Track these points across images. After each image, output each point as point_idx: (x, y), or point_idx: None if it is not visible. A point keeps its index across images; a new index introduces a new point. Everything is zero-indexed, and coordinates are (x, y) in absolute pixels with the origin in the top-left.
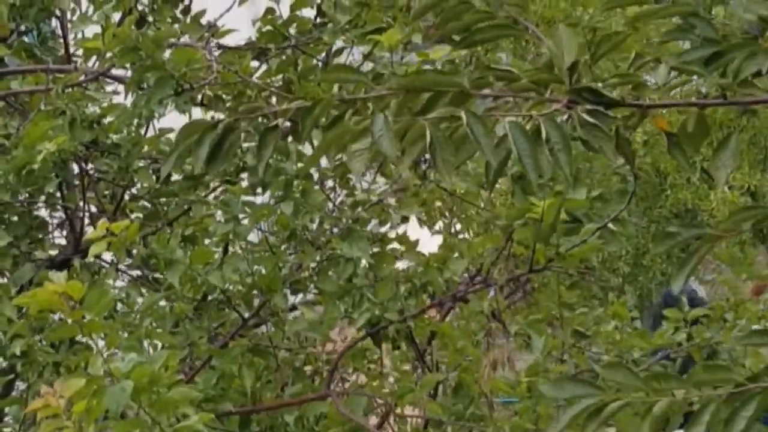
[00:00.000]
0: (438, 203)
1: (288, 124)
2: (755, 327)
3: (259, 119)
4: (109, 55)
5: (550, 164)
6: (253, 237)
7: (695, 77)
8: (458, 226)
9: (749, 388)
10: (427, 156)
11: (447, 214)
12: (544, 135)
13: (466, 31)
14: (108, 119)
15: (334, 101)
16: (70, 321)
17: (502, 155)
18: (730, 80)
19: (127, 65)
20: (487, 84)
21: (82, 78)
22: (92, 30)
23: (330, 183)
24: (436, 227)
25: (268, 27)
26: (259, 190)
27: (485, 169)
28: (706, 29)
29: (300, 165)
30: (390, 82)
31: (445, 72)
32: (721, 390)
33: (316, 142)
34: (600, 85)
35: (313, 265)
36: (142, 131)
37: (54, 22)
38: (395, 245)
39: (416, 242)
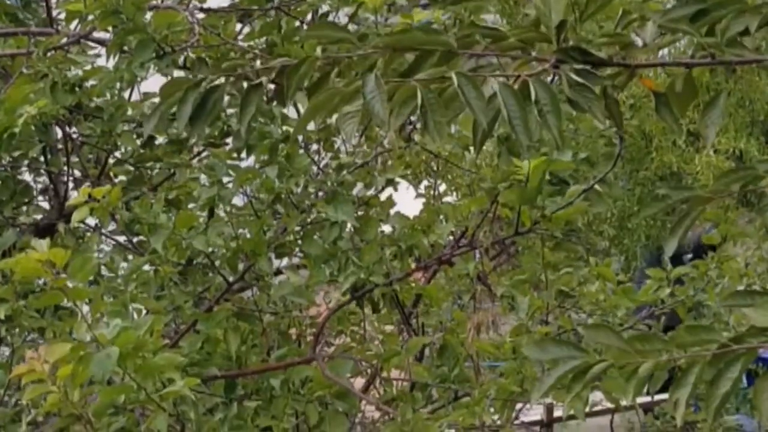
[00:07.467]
0: (423, 162)
1: (272, 87)
2: (739, 288)
3: (243, 82)
4: (90, 17)
5: (539, 125)
6: (238, 201)
7: (683, 40)
8: (442, 188)
9: (734, 349)
10: (413, 118)
11: (431, 174)
12: (533, 95)
13: None
14: (90, 83)
15: (319, 60)
16: (54, 287)
17: (491, 116)
18: (718, 39)
19: (109, 28)
20: (474, 43)
21: (64, 41)
22: None
23: (315, 146)
24: (421, 187)
25: None
26: (244, 154)
27: (473, 130)
28: None
29: (285, 128)
30: (376, 41)
31: (431, 31)
32: (705, 351)
33: (300, 105)
34: (587, 44)
35: (297, 228)
36: (125, 95)
37: None
38: (379, 208)
39: (393, 202)
